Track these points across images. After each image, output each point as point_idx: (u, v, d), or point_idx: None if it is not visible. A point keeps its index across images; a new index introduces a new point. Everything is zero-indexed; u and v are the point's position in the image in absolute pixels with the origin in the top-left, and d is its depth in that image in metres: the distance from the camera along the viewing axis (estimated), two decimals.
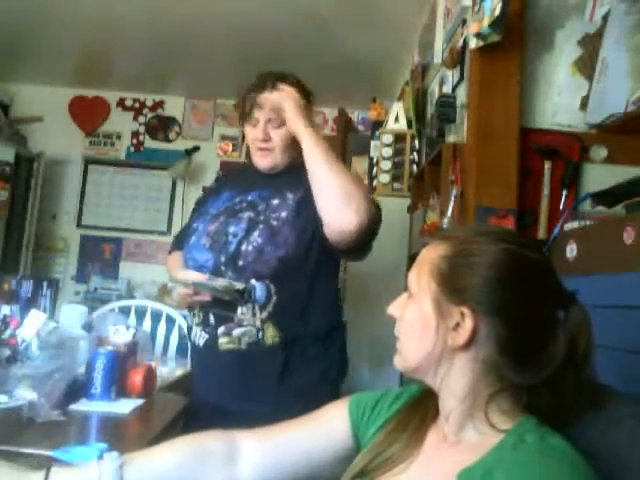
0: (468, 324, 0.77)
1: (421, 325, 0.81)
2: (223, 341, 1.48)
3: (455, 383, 0.80)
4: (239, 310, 1.46)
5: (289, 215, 1.49)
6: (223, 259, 1.49)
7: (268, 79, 1.53)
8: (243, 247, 1.47)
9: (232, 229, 1.51)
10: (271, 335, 1.46)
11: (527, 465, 0.70)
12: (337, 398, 1.01)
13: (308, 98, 1.56)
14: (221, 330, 1.48)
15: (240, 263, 1.46)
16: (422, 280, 0.82)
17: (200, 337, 1.54)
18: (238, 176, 1.75)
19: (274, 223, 1.48)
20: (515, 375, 0.76)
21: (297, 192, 1.52)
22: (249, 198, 1.57)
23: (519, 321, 0.77)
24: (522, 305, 0.77)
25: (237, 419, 1.32)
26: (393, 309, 0.88)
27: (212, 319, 1.50)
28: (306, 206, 1.47)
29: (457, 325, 0.78)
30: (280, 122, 1.52)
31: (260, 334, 1.46)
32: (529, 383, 0.76)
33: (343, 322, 1.60)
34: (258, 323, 1.46)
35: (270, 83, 1.52)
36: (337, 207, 1.38)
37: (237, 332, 1.46)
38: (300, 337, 1.48)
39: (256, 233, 1.47)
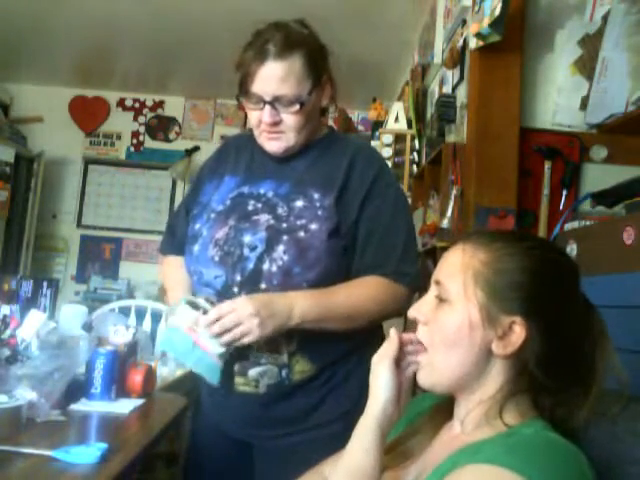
0: (520, 333, 0.76)
1: (467, 333, 0.78)
2: (239, 382, 1.22)
3: (483, 388, 0.79)
4: (256, 344, 1.17)
5: (320, 227, 1.19)
6: (238, 278, 1.19)
7: (270, 42, 1.18)
8: (265, 266, 1.17)
9: (248, 239, 1.19)
10: (300, 370, 1.21)
11: (514, 449, 0.69)
12: None
13: (322, 52, 1.26)
14: (236, 368, 1.20)
15: (262, 286, 1.17)
16: (468, 287, 0.79)
17: None
18: (239, 153, 1.36)
19: (301, 235, 1.18)
20: (545, 378, 0.76)
21: (325, 193, 1.22)
22: (261, 191, 1.26)
23: (560, 326, 0.77)
24: (565, 310, 0.78)
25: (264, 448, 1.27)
26: (418, 313, 0.83)
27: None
28: (338, 214, 1.21)
29: (504, 334, 0.77)
30: (293, 96, 1.18)
31: (285, 372, 1.20)
32: (556, 386, 0.76)
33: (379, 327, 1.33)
34: (284, 359, 1.19)
35: (275, 49, 1.17)
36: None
37: (253, 372, 1.19)
38: (336, 362, 1.23)
39: (280, 248, 1.17)
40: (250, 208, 1.24)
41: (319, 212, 1.20)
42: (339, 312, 1.19)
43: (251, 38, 1.23)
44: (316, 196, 1.22)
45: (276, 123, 1.21)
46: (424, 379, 0.82)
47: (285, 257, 1.16)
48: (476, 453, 0.69)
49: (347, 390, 1.24)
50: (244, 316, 1.10)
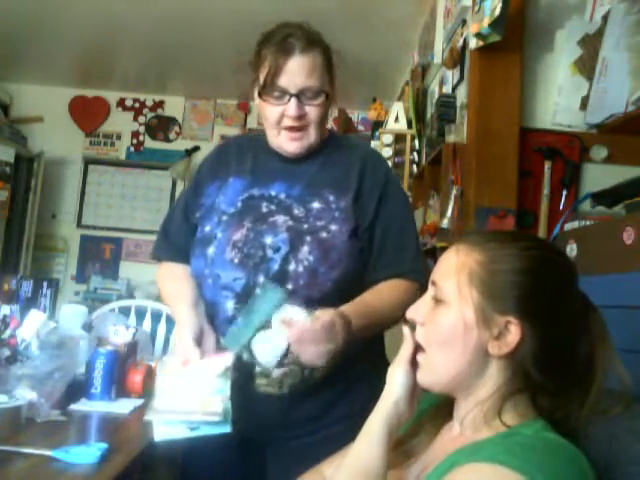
0: (516, 334, 0.75)
1: (462, 333, 0.78)
2: (262, 382, 1.20)
3: (480, 388, 0.79)
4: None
5: (340, 228, 1.21)
6: (262, 280, 1.18)
7: (293, 36, 1.21)
8: (291, 267, 1.17)
9: (269, 240, 1.19)
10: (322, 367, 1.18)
11: (514, 448, 0.69)
12: None
13: (331, 53, 1.28)
14: (258, 370, 1.19)
15: (289, 287, 1.16)
16: (462, 287, 0.79)
17: None
18: (242, 155, 1.36)
19: (324, 235, 1.20)
20: (542, 378, 0.76)
21: (340, 195, 1.25)
22: (272, 193, 1.27)
23: (556, 326, 0.77)
24: (560, 310, 0.78)
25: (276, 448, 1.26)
26: (416, 313, 0.84)
27: (245, 354, 1.17)
28: (355, 218, 1.23)
29: (499, 334, 0.76)
30: (318, 88, 1.21)
31: (307, 371, 1.18)
32: (554, 386, 0.76)
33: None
34: None
35: (300, 44, 1.20)
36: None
37: (277, 373, 1.17)
38: (354, 359, 1.22)
39: (305, 249, 1.18)
40: (264, 210, 1.24)
41: (336, 214, 1.22)
42: (377, 324, 1.22)
43: (262, 37, 1.25)
44: (331, 198, 1.24)
45: (301, 117, 1.22)
46: (423, 378, 0.83)
47: (310, 257, 1.17)
48: (476, 452, 0.69)
49: (364, 386, 1.24)
50: (328, 346, 1.07)
